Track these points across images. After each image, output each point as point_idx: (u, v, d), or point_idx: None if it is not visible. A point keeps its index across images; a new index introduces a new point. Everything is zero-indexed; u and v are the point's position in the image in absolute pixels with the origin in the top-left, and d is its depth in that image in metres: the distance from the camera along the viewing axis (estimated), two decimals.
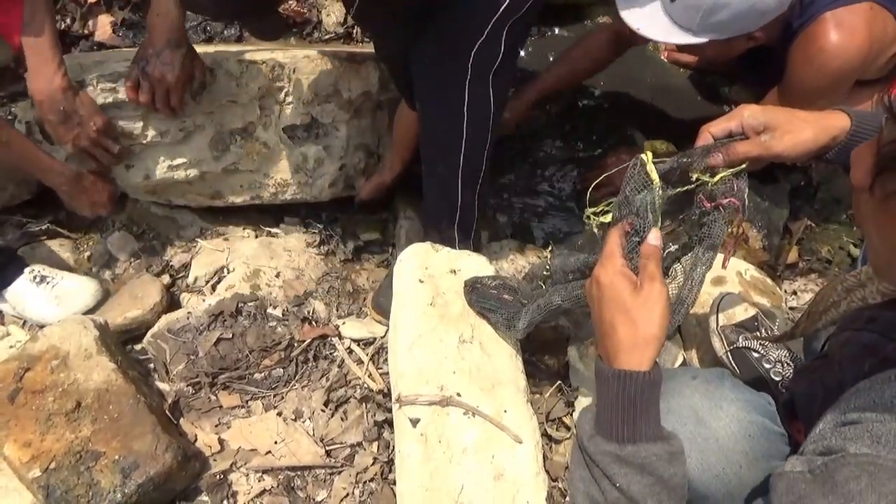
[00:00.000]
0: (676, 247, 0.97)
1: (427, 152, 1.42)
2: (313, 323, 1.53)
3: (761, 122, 0.91)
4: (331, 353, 1.49)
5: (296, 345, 1.48)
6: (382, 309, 1.50)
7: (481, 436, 1.16)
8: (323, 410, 1.39)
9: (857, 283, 0.93)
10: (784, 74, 1.49)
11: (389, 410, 1.34)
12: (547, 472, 1.18)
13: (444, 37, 1.23)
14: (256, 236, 1.76)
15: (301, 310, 1.55)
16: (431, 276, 1.34)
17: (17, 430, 1.19)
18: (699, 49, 1.47)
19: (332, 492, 1.28)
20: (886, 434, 0.60)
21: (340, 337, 1.51)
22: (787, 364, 1.23)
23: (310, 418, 1.38)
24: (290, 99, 1.61)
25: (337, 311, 1.59)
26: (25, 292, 1.51)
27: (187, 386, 1.40)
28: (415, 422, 1.16)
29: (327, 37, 2.11)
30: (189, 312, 1.50)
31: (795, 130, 0.90)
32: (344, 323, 1.54)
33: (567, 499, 1.23)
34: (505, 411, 1.19)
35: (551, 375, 1.40)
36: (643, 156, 0.91)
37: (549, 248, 1.25)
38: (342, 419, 1.38)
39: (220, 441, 1.33)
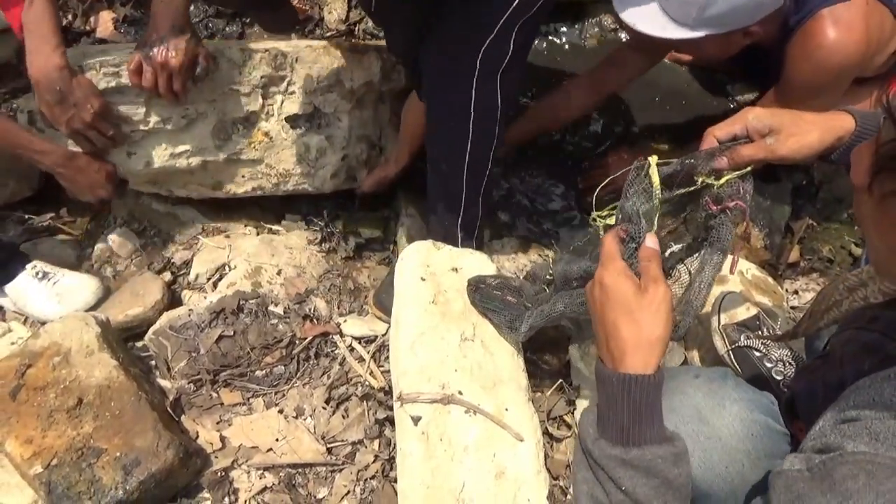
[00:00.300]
0: (679, 247, 0.97)
1: (432, 149, 1.42)
2: (314, 320, 1.53)
3: (766, 125, 0.91)
4: (332, 351, 1.49)
5: (297, 342, 1.48)
6: (384, 306, 1.50)
7: (482, 434, 1.16)
8: (324, 408, 1.39)
9: (859, 283, 0.93)
10: (783, 70, 1.49)
11: (390, 408, 1.34)
12: (548, 470, 1.18)
13: (453, 34, 1.23)
14: (258, 233, 1.76)
15: (302, 307, 1.55)
16: (433, 274, 1.34)
17: (19, 426, 1.19)
18: (697, 46, 1.46)
19: (333, 489, 1.28)
20: (885, 432, 0.60)
21: (342, 335, 1.51)
22: (789, 363, 1.23)
23: (311, 416, 1.38)
24: (292, 88, 1.61)
25: (338, 308, 1.59)
26: (27, 288, 1.51)
27: (189, 383, 1.40)
28: (416, 420, 1.16)
29: (329, 34, 2.11)
30: (190, 310, 1.50)
31: (800, 133, 0.90)
32: (345, 321, 1.54)
33: (569, 497, 1.23)
34: (506, 409, 1.19)
35: (552, 374, 1.40)
36: (649, 159, 0.91)
37: (553, 251, 1.24)
38: (343, 417, 1.38)
39: (222, 438, 1.33)
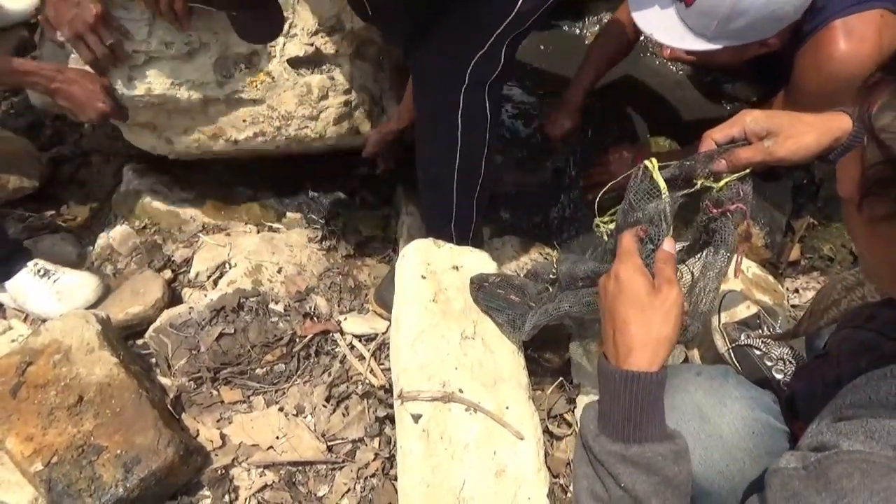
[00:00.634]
0: (681, 247, 0.97)
1: (423, 158, 1.41)
2: (315, 318, 1.53)
3: (763, 127, 0.91)
4: (332, 349, 1.49)
5: (297, 340, 1.48)
6: (385, 303, 1.50)
7: (483, 432, 1.16)
8: (324, 406, 1.39)
9: (857, 282, 0.93)
10: (791, 79, 1.48)
11: (391, 406, 1.34)
12: (548, 468, 1.18)
13: (445, 44, 1.22)
14: (258, 231, 1.76)
15: (303, 305, 1.55)
16: (434, 273, 1.34)
17: (20, 424, 1.19)
18: (710, 54, 1.45)
19: (334, 487, 1.28)
20: (880, 430, 0.60)
21: (342, 333, 1.51)
22: (790, 362, 1.23)
23: (311, 414, 1.38)
24: (294, 31, 1.59)
25: (339, 306, 1.60)
26: (28, 286, 1.51)
27: (189, 381, 1.40)
28: (416, 418, 1.16)
29: None
30: (191, 307, 1.50)
31: (797, 135, 0.90)
32: (345, 319, 1.54)
33: (569, 495, 1.23)
34: (507, 408, 1.19)
35: (553, 372, 1.40)
36: (647, 163, 0.91)
37: (555, 251, 1.24)
38: (343, 415, 1.38)
39: (222, 436, 1.33)
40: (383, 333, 1.49)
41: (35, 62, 1.47)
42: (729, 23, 1.33)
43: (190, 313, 1.49)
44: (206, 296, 1.54)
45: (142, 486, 1.16)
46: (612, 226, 1.03)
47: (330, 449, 1.33)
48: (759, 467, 0.82)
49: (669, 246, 0.85)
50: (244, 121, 1.65)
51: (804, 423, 0.84)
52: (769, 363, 1.24)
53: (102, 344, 1.30)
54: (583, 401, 1.34)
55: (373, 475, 1.30)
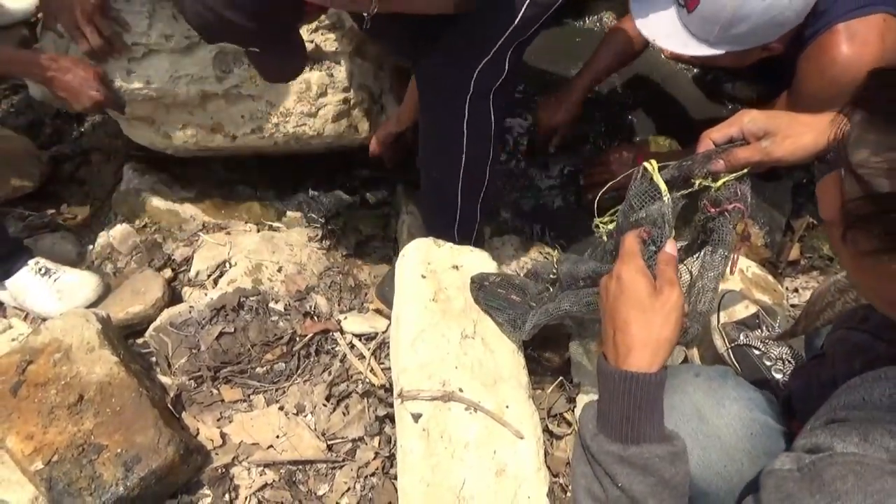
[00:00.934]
0: (679, 247, 0.98)
1: (426, 162, 1.42)
2: (315, 317, 1.53)
3: (761, 127, 0.92)
4: (332, 348, 1.49)
5: (297, 339, 1.48)
6: (386, 299, 1.50)
7: (483, 431, 1.16)
8: (324, 405, 1.39)
9: (849, 285, 0.93)
10: (793, 82, 1.47)
11: (391, 405, 1.35)
12: (548, 467, 1.18)
13: (449, 54, 1.22)
14: (258, 230, 1.76)
15: (303, 304, 1.55)
16: (434, 272, 1.34)
17: (20, 422, 1.19)
18: (713, 58, 1.44)
19: (334, 486, 1.28)
20: (874, 432, 0.60)
21: (342, 332, 1.51)
22: (789, 361, 1.23)
23: (311, 413, 1.38)
24: None
25: (339, 305, 1.60)
26: (28, 284, 1.51)
27: (189, 380, 1.40)
28: (416, 417, 1.16)
29: None
30: (191, 306, 1.50)
31: (795, 135, 0.90)
32: (345, 318, 1.54)
33: (568, 494, 1.23)
34: (507, 407, 1.19)
35: (553, 371, 1.41)
36: (647, 164, 0.91)
37: (556, 252, 1.25)
38: (344, 414, 1.39)
39: (222, 435, 1.33)
40: (383, 332, 1.50)
41: (29, 51, 1.48)
42: (731, 28, 1.33)
43: (190, 312, 1.49)
44: (206, 295, 1.54)
45: (142, 485, 1.17)
46: (611, 226, 1.03)
47: (330, 448, 1.33)
48: (757, 468, 0.82)
49: (671, 248, 0.86)
50: (242, 116, 1.65)
51: (801, 422, 0.84)
52: (768, 363, 1.24)
53: (103, 343, 1.30)
54: (583, 400, 1.34)
55: (373, 474, 1.30)
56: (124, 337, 1.46)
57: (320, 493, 1.28)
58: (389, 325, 1.45)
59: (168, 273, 1.63)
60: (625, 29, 1.80)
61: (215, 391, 1.40)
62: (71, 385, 1.24)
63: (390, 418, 1.34)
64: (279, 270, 1.62)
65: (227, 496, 1.25)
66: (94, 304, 1.51)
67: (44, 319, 1.46)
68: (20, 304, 1.54)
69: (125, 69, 1.52)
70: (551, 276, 1.23)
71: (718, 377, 0.90)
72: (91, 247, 1.72)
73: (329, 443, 1.34)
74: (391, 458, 1.31)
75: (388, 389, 1.40)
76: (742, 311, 1.33)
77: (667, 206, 0.88)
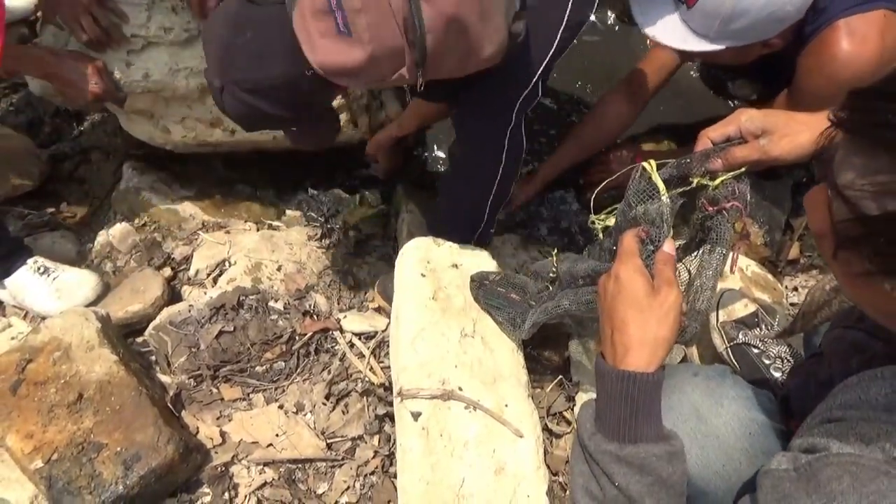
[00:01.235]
0: (677, 245, 0.98)
1: (453, 185, 1.46)
2: (314, 316, 1.53)
3: (759, 126, 0.91)
4: (332, 347, 1.49)
5: (297, 338, 1.48)
6: (388, 295, 1.50)
7: (482, 430, 1.16)
8: (324, 404, 1.39)
9: None
10: (794, 79, 1.47)
11: (390, 404, 1.35)
12: (547, 466, 1.19)
13: (490, 92, 1.25)
14: (258, 229, 1.76)
15: (302, 303, 1.55)
16: (433, 271, 1.34)
17: (20, 421, 1.19)
18: (713, 55, 1.45)
19: (333, 485, 1.28)
20: (870, 432, 0.60)
21: (342, 330, 1.51)
22: (788, 360, 1.23)
23: (311, 411, 1.38)
24: None
25: (338, 304, 1.60)
26: (27, 283, 1.51)
27: (189, 378, 1.40)
28: (416, 415, 1.17)
29: None
30: (191, 305, 1.50)
31: (792, 133, 0.90)
32: (345, 316, 1.54)
33: (567, 493, 1.23)
34: (506, 405, 1.19)
35: (552, 370, 1.41)
36: (646, 164, 0.91)
37: (556, 251, 1.25)
38: (343, 412, 1.39)
39: (222, 433, 1.33)
40: (383, 331, 1.50)
41: (29, 46, 1.48)
42: (731, 23, 1.33)
43: (190, 311, 1.49)
44: (205, 293, 1.54)
45: (142, 484, 1.17)
46: (609, 222, 1.03)
47: (329, 446, 1.33)
48: (755, 467, 0.82)
49: (669, 247, 0.86)
50: None
51: (799, 421, 0.84)
52: (767, 361, 1.24)
53: (102, 341, 1.30)
54: (582, 399, 1.34)
55: (372, 473, 1.30)
56: (124, 336, 1.46)
57: (320, 491, 1.28)
58: (389, 323, 1.45)
59: (167, 272, 1.63)
60: (611, 107, 1.81)
61: (215, 390, 1.40)
62: (70, 384, 1.24)
63: (390, 417, 1.34)
64: (279, 269, 1.62)
65: (226, 495, 1.25)
66: (93, 303, 1.51)
67: (43, 318, 1.46)
68: (19, 302, 1.54)
69: (124, 61, 1.52)
70: (551, 274, 1.23)
71: (717, 377, 0.90)
72: (90, 245, 1.71)
73: (328, 441, 1.34)
74: (391, 456, 1.31)
75: (388, 388, 1.40)
76: (741, 309, 1.33)
77: (665, 205, 0.88)
